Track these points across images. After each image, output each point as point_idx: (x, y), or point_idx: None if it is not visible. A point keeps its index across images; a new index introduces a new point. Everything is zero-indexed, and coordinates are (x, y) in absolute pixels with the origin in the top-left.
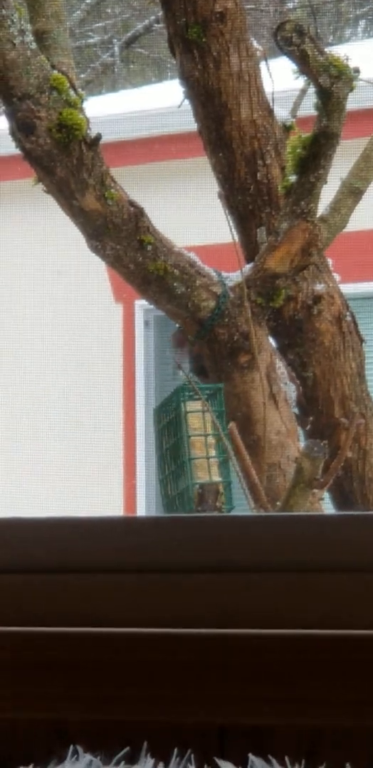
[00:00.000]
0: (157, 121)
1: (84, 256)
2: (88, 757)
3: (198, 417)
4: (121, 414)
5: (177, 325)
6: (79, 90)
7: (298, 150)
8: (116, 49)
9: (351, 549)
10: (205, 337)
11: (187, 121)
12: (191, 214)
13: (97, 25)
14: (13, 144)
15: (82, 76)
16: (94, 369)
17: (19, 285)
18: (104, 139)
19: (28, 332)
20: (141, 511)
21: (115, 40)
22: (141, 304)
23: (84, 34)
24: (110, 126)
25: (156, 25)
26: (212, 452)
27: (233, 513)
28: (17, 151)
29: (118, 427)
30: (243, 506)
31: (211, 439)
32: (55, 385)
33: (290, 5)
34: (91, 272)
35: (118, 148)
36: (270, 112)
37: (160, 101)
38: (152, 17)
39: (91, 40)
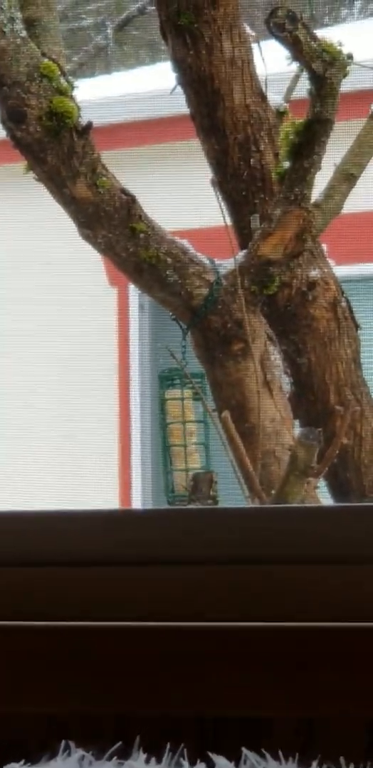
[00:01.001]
0: (151, 103)
1: (77, 240)
2: (80, 751)
3: (177, 405)
4: (117, 401)
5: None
6: (70, 78)
7: (291, 136)
8: (109, 31)
9: (346, 541)
10: (198, 325)
11: (181, 104)
12: (185, 198)
13: (90, 7)
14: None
15: (75, 58)
16: (88, 354)
17: (10, 270)
18: (98, 123)
19: (19, 318)
20: (136, 500)
21: (109, 23)
22: (136, 288)
23: (77, 17)
24: (104, 109)
25: (150, 7)
26: (191, 440)
27: (227, 505)
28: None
29: (114, 415)
30: (238, 495)
31: (192, 427)
32: (49, 372)
33: None
34: (85, 256)
35: (112, 131)
36: (263, 97)
37: (154, 83)
38: None
39: (84, 23)
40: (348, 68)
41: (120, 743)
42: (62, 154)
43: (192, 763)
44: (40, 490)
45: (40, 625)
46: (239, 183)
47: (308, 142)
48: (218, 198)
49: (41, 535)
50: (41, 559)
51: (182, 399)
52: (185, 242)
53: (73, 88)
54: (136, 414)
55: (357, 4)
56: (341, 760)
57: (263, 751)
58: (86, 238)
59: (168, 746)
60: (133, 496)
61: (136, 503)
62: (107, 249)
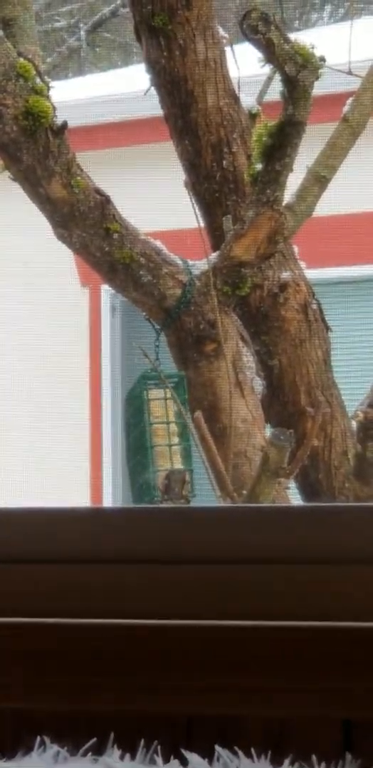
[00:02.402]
0: (124, 105)
1: (50, 240)
2: (55, 747)
3: (160, 404)
4: (88, 401)
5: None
6: (45, 77)
7: (264, 138)
8: (82, 33)
9: (317, 542)
10: (171, 325)
11: (153, 106)
12: (158, 199)
13: (64, 9)
14: None
15: (49, 60)
16: (60, 355)
17: None
18: (70, 124)
19: None
20: (107, 500)
21: (82, 24)
22: (108, 289)
23: (50, 18)
24: (76, 110)
25: (122, 9)
26: (175, 440)
27: (199, 504)
28: None
29: (85, 415)
30: (210, 495)
31: (174, 427)
32: (20, 373)
33: None
34: (58, 256)
35: (85, 132)
36: (236, 99)
37: (127, 86)
38: (118, 1)
39: (57, 24)
40: (320, 71)
41: (94, 740)
42: (38, 153)
43: (166, 760)
44: (11, 487)
45: (13, 622)
46: (211, 184)
47: (281, 145)
48: (191, 199)
49: (11, 532)
50: (11, 557)
51: (165, 399)
52: (159, 243)
53: (48, 88)
54: (107, 413)
55: (327, 9)
56: (313, 758)
57: (236, 749)
58: (61, 237)
59: (142, 743)
60: (103, 494)
61: (107, 501)
62: (82, 249)
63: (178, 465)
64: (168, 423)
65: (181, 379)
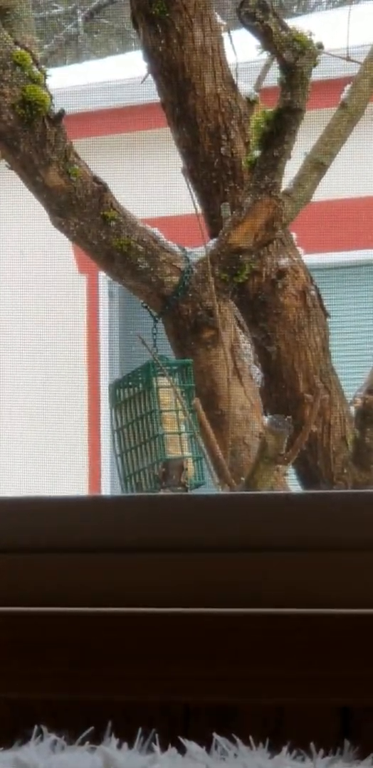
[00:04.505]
0: (122, 92)
1: (47, 226)
2: (52, 736)
3: (169, 392)
4: (85, 389)
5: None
6: (42, 66)
7: (262, 125)
8: (80, 19)
9: (315, 528)
10: (169, 313)
11: (151, 92)
12: (155, 186)
13: None
14: None
15: (46, 47)
16: (57, 342)
17: None
18: (68, 111)
19: None
20: (106, 488)
21: (79, 11)
22: (105, 277)
23: (48, 5)
24: (74, 97)
25: None
26: (183, 427)
27: (198, 492)
28: None
29: (83, 403)
30: (208, 482)
31: (182, 415)
32: (16, 361)
33: None
34: (55, 242)
35: (82, 119)
36: (234, 86)
37: (125, 72)
38: None
39: (55, 11)
40: (318, 57)
41: (92, 728)
42: (35, 142)
43: (163, 748)
44: (8, 476)
45: (11, 611)
46: (209, 171)
47: (279, 131)
48: (188, 186)
49: (9, 522)
50: (10, 546)
51: (174, 387)
52: (156, 230)
53: (45, 76)
54: (105, 402)
55: None
56: (312, 746)
57: (234, 736)
58: (58, 226)
59: (140, 732)
60: (102, 483)
61: (105, 489)
62: (79, 237)
63: (188, 453)
64: (177, 410)
65: (186, 366)
